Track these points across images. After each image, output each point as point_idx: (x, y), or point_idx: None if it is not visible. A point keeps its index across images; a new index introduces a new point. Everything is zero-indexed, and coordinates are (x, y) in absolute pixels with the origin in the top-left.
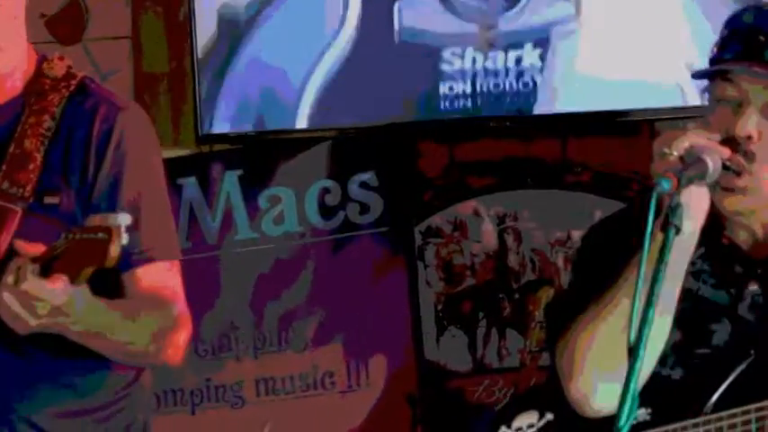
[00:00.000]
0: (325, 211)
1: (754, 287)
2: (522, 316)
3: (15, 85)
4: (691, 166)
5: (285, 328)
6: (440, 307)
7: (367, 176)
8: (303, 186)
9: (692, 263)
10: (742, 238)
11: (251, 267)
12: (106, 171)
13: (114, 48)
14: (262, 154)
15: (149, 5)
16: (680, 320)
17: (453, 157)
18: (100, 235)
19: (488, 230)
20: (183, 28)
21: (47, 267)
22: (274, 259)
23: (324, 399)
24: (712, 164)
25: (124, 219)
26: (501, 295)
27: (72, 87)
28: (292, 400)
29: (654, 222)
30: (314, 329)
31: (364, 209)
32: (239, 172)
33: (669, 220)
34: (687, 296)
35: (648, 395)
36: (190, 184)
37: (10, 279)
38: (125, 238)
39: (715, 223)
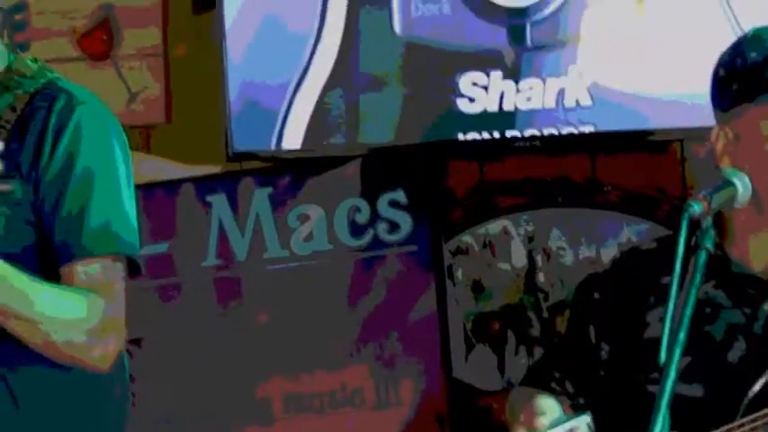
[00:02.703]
0: (355, 230)
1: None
2: (551, 335)
3: None
4: (721, 190)
5: (314, 345)
6: (469, 325)
7: (396, 195)
8: (333, 204)
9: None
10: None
11: (280, 285)
12: (57, 161)
13: (145, 65)
14: (292, 172)
15: (181, 23)
16: (696, 340)
17: (483, 176)
18: None
19: (517, 249)
20: (213, 46)
21: None
22: (303, 277)
23: (353, 417)
24: (742, 187)
25: None
26: (530, 314)
27: (39, 85)
28: (321, 418)
29: (685, 244)
30: (343, 347)
31: (394, 227)
32: (269, 190)
33: (700, 242)
34: (702, 316)
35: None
36: (219, 201)
37: None
38: None
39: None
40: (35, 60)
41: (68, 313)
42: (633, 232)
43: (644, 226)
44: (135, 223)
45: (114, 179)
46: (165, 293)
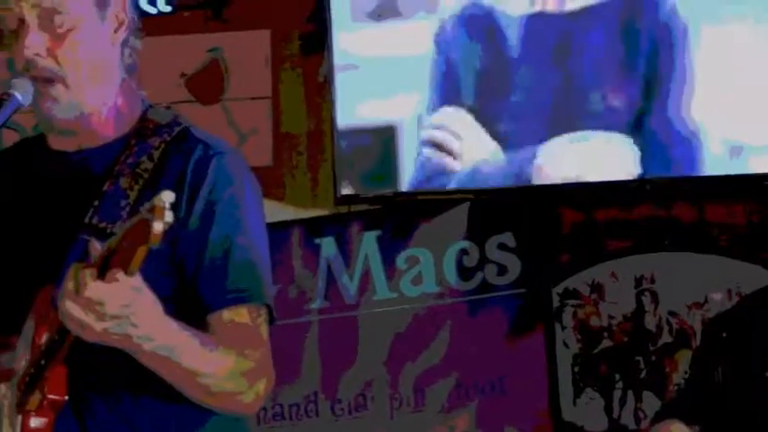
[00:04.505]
0: (463, 272)
1: None
2: (659, 378)
3: (110, 128)
4: None
5: (422, 388)
6: (577, 368)
7: (505, 238)
8: (441, 247)
9: None
10: None
11: (389, 327)
12: (197, 211)
13: (253, 108)
14: (400, 215)
15: (289, 66)
16: None
17: (591, 219)
18: (145, 214)
19: (625, 292)
20: (321, 89)
21: (105, 266)
22: (412, 319)
23: None
24: None
25: (168, 196)
26: (638, 357)
27: (174, 132)
28: None
29: None
30: (451, 390)
31: (502, 270)
32: (378, 232)
33: None
34: None
35: None
36: (328, 243)
37: (70, 286)
38: (169, 215)
39: None
40: (168, 108)
41: (223, 363)
42: (741, 277)
43: (752, 271)
44: (270, 273)
45: (252, 227)
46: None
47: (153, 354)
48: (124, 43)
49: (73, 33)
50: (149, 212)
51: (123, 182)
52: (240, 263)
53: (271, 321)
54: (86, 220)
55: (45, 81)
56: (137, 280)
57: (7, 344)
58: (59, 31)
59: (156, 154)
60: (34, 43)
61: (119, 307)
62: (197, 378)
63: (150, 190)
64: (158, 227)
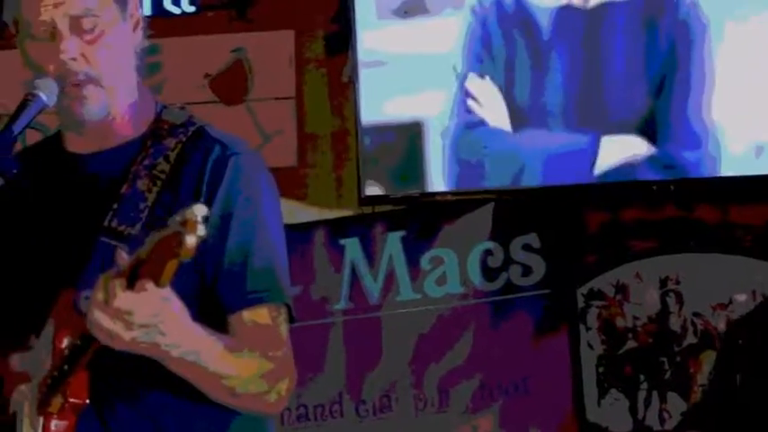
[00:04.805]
0: (488, 273)
1: None
2: (684, 379)
3: (129, 128)
4: None
5: (446, 389)
6: (601, 369)
7: (529, 238)
8: (466, 248)
9: None
10: None
11: (413, 328)
12: (215, 213)
13: (277, 108)
14: (424, 215)
15: (313, 67)
16: None
17: (616, 220)
18: (177, 227)
19: (650, 293)
20: (345, 88)
21: (134, 276)
22: (436, 320)
23: None
24: None
25: (200, 210)
26: (662, 358)
27: (190, 133)
28: None
29: None
30: (475, 391)
31: (527, 271)
32: (402, 233)
33: None
34: None
35: None
36: (352, 244)
37: (100, 296)
38: (201, 229)
39: None
40: (183, 108)
41: (248, 365)
42: (765, 276)
43: None
44: (287, 272)
45: (270, 228)
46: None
47: (180, 359)
48: (137, 44)
49: (104, 36)
50: (181, 225)
51: (141, 184)
52: (258, 264)
53: (290, 321)
54: (105, 223)
55: (78, 83)
56: (165, 289)
57: (24, 345)
58: (92, 34)
59: (173, 155)
60: (69, 48)
61: (147, 317)
62: (222, 381)
63: (169, 192)
64: (191, 241)
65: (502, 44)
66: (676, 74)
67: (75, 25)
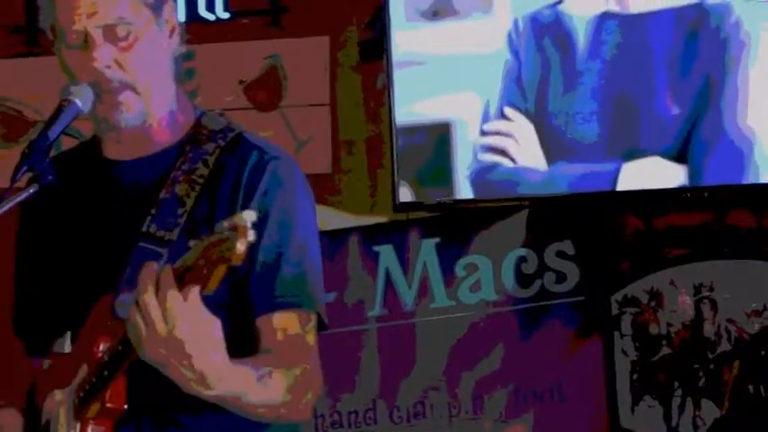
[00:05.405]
0: (522, 280)
1: None
2: (718, 386)
3: (167, 135)
4: None
5: (480, 396)
6: (635, 376)
7: (564, 245)
8: (500, 255)
9: None
10: None
11: (447, 335)
12: None
13: (311, 115)
14: (459, 222)
15: (347, 73)
16: None
17: (650, 227)
18: (226, 233)
19: (684, 300)
20: (380, 95)
21: (180, 283)
22: (470, 327)
23: None
24: None
25: (250, 215)
26: (696, 365)
27: (229, 138)
28: None
29: None
30: (508, 398)
31: (561, 278)
32: (436, 240)
33: None
34: None
35: None
36: (387, 251)
37: (146, 297)
38: (251, 235)
39: None
40: (222, 114)
41: (279, 392)
42: None
43: None
44: (321, 279)
45: (305, 233)
46: (333, 343)
47: (213, 397)
48: (174, 50)
49: (137, 44)
50: (231, 231)
51: (179, 189)
52: (290, 269)
53: (321, 328)
54: (144, 229)
55: (113, 90)
56: (206, 314)
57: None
58: (126, 41)
59: (211, 160)
60: (103, 57)
61: (199, 376)
62: (255, 409)
63: (207, 197)
64: (241, 246)
65: (535, 68)
66: (714, 83)
67: (109, 33)
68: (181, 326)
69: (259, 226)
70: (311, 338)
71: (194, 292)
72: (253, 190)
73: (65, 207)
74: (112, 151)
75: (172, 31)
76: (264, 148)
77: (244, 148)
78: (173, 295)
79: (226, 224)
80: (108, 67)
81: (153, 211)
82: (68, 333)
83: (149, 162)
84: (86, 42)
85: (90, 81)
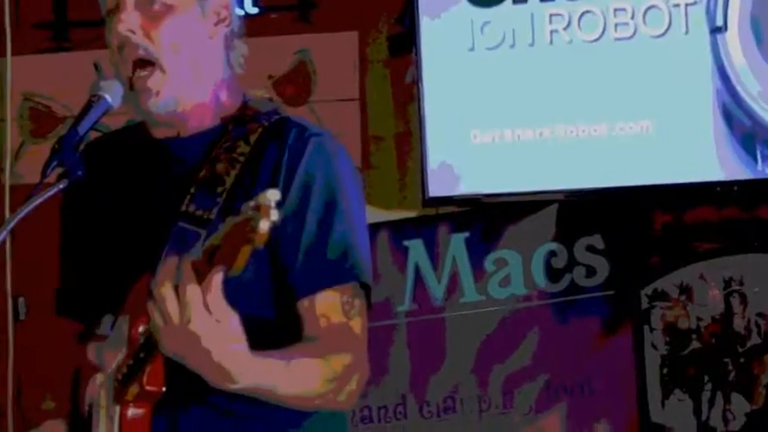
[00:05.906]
0: (552, 274)
1: None
2: (748, 380)
3: (207, 119)
4: None
5: (510, 390)
6: (665, 370)
7: (594, 240)
8: (530, 249)
9: None
10: None
11: (476, 330)
12: (294, 194)
13: (341, 110)
14: (488, 217)
15: (377, 68)
16: None
17: (680, 221)
18: (250, 213)
19: (714, 294)
20: (409, 90)
21: (210, 262)
22: (500, 322)
23: None
24: None
25: (273, 195)
26: (726, 359)
27: (272, 119)
28: None
29: None
30: (538, 392)
31: (591, 272)
32: (466, 234)
33: None
34: None
35: None
36: (416, 246)
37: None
38: (275, 214)
39: None
40: (271, 100)
41: (315, 380)
42: None
43: None
44: (368, 254)
45: (349, 210)
46: None
47: (241, 389)
48: (228, 42)
49: (169, 17)
50: (254, 211)
51: (220, 167)
52: (338, 245)
53: (369, 306)
54: (183, 208)
55: (140, 64)
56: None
57: (100, 334)
58: (155, 10)
59: (253, 138)
60: (129, 19)
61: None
62: (291, 400)
63: (248, 174)
64: (264, 226)
65: None
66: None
67: (142, 1)
68: (197, 319)
69: (303, 203)
70: (356, 324)
71: (215, 284)
72: (295, 164)
73: (111, 187)
74: (157, 132)
75: (221, 21)
76: (307, 125)
77: (287, 127)
78: (191, 288)
79: (251, 204)
80: (131, 31)
81: (192, 190)
82: (109, 315)
83: (193, 141)
84: (118, 6)
85: (117, 44)
